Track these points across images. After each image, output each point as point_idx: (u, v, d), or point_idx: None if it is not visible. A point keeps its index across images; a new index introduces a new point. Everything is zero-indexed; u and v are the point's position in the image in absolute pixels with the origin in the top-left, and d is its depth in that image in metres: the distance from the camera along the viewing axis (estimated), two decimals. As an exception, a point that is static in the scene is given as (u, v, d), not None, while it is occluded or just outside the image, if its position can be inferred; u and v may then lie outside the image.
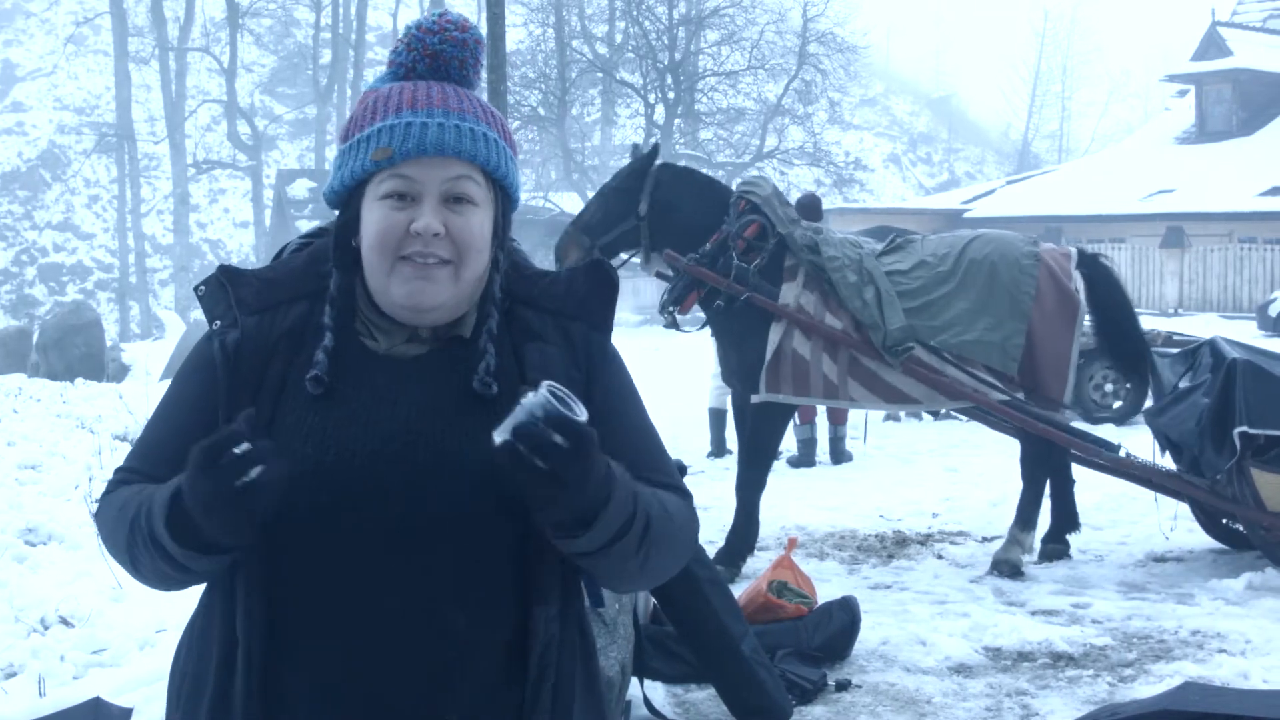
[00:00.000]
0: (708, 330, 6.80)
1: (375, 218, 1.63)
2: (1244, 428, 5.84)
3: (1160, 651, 5.15)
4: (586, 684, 1.71)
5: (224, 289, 1.70)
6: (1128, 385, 10.77)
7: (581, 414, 1.46)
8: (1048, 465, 6.54)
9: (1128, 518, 7.53)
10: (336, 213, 1.72)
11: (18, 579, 5.71)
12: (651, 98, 33.10)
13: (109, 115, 43.77)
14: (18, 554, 6.20)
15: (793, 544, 5.71)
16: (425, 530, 1.58)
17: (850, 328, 6.26)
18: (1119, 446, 6.48)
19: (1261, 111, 31.39)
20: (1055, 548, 6.70)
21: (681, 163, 31.01)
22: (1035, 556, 6.65)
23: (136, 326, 38.06)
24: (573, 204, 24.19)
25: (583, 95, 34.78)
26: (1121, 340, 6.73)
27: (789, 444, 10.10)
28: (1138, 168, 31.49)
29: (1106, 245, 26.95)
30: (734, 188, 6.78)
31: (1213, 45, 32.55)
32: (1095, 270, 6.60)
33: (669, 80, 32.68)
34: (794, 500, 8.32)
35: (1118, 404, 11.42)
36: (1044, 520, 6.68)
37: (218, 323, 1.68)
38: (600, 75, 33.77)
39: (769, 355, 6.23)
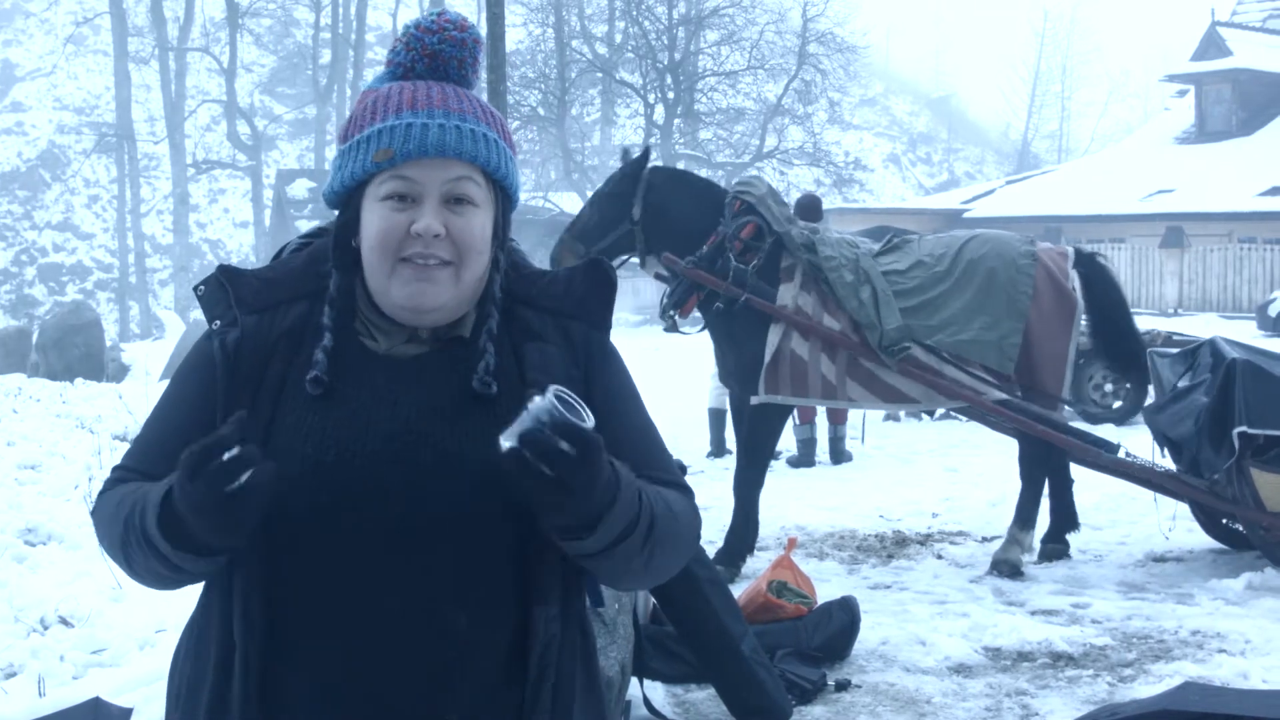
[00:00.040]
0: (708, 331, 6.80)
1: (376, 219, 1.63)
2: (1243, 427, 5.84)
3: (1160, 651, 5.15)
4: (586, 684, 1.70)
5: (224, 289, 1.70)
6: (1127, 385, 10.77)
7: (589, 420, 1.46)
8: (1046, 465, 6.54)
9: (1127, 517, 7.54)
10: (336, 213, 1.72)
11: (17, 579, 5.70)
12: (651, 98, 33.09)
13: (109, 115, 43.78)
14: (17, 554, 6.19)
15: (792, 544, 5.71)
16: (425, 530, 1.58)
17: (848, 328, 6.25)
18: (1119, 446, 6.48)
19: (1261, 111, 31.38)
20: (1055, 547, 6.70)
21: (681, 163, 31.04)
22: (1035, 556, 6.65)
23: (136, 326, 38.08)
24: (572, 204, 24.20)
25: (582, 95, 34.78)
26: (1118, 340, 6.73)
27: (789, 444, 10.11)
28: (1137, 168, 31.48)
29: (1106, 245, 26.95)
30: (728, 188, 6.78)
31: (1212, 45, 32.55)
32: (1092, 269, 6.61)
33: (669, 80, 32.67)
34: (794, 500, 8.33)
35: (1117, 404, 11.43)
36: (1044, 520, 6.69)
37: (217, 322, 1.68)
38: (600, 75, 33.78)
39: (768, 357, 6.22)
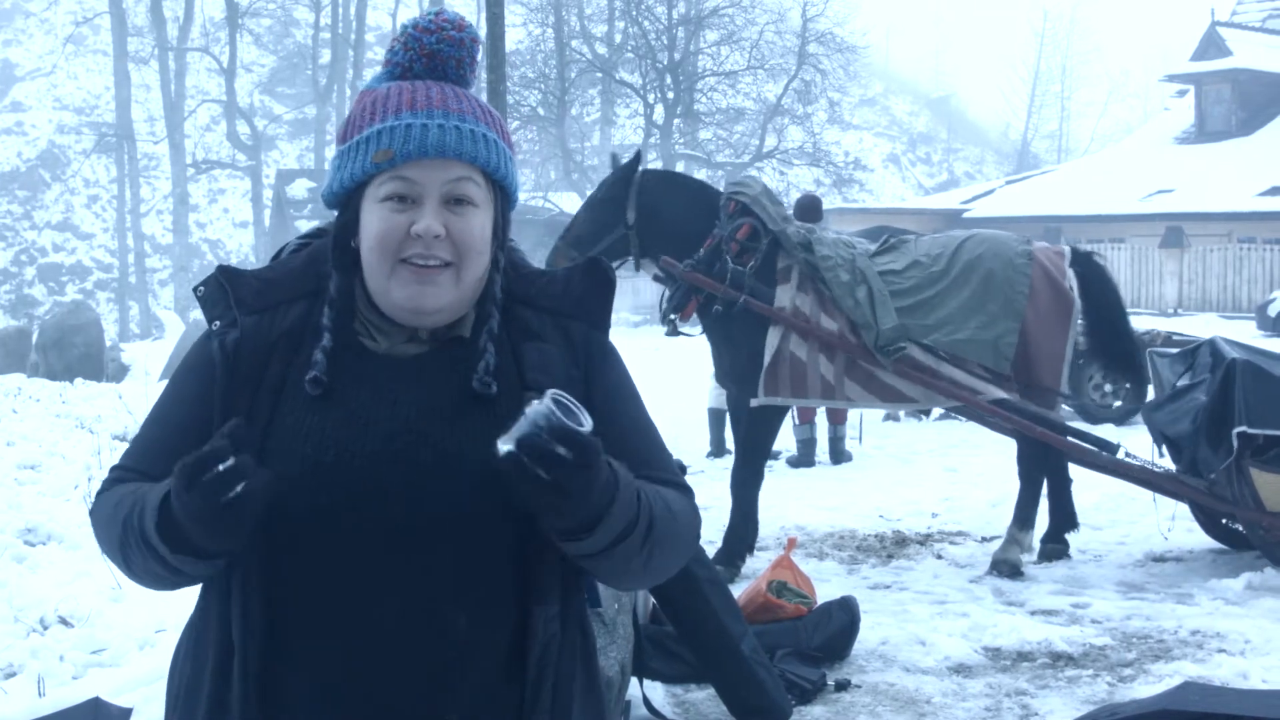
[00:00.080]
0: (705, 333, 6.80)
1: (375, 220, 1.63)
2: (1243, 427, 5.84)
3: (1159, 651, 5.15)
4: (586, 684, 1.70)
5: (223, 289, 1.69)
6: (1127, 385, 10.77)
7: (586, 423, 1.46)
8: (1044, 464, 6.54)
9: (1127, 517, 7.54)
10: (335, 213, 1.71)
11: (17, 579, 5.70)
12: (651, 98, 33.09)
13: (108, 115, 43.77)
14: (17, 554, 6.19)
15: (792, 544, 5.71)
16: (425, 530, 1.58)
17: (845, 328, 6.25)
18: (1118, 446, 6.48)
19: (1261, 111, 31.39)
20: (1054, 547, 6.70)
21: (681, 163, 30.94)
22: (1034, 556, 6.65)
23: (136, 326, 38.07)
24: (572, 204, 24.16)
25: (582, 95, 34.77)
26: (1113, 339, 6.73)
27: (789, 444, 10.11)
28: (1137, 168, 31.49)
29: (1106, 245, 26.97)
30: (722, 189, 6.77)
31: (1212, 45, 32.55)
32: (1088, 268, 6.61)
33: (668, 80, 32.67)
34: (793, 500, 8.33)
35: (1117, 404, 11.43)
36: (1043, 520, 6.69)
37: (217, 323, 1.68)
38: (600, 75, 33.78)
39: (767, 360, 6.22)
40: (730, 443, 8.77)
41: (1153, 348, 7.91)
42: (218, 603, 1.62)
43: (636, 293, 25.66)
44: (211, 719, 1.60)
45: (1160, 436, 6.63)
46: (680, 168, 31.52)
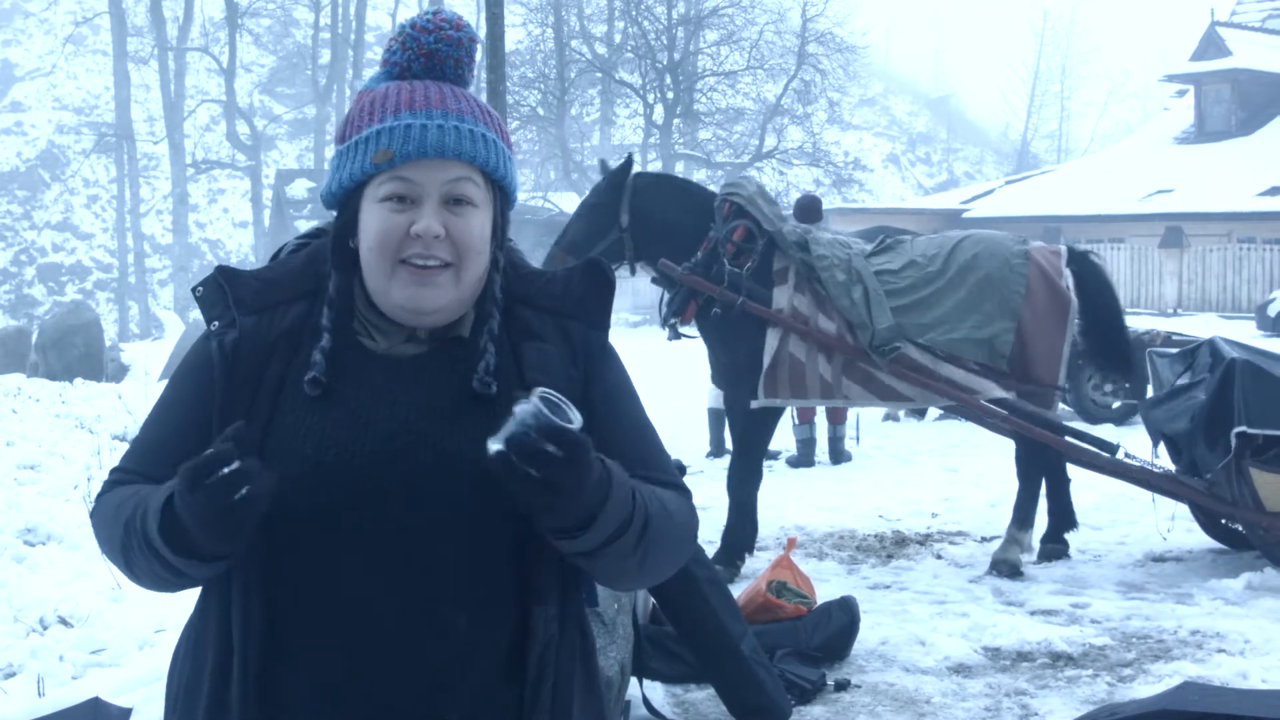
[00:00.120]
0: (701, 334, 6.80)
1: (375, 220, 1.63)
2: (1243, 427, 5.83)
3: (1159, 651, 5.15)
4: (586, 684, 1.71)
5: (222, 289, 1.69)
6: (1126, 385, 10.76)
7: (575, 420, 1.46)
8: (1042, 463, 6.54)
9: (1126, 517, 7.54)
10: (334, 213, 1.71)
11: (17, 579, 5.70)
12: (650, 98, 33.09)
13: (108, 115, 43.77)
14: (17, 554, 6.19)
15: (792, 544, 5.71)
16: (425, 530, 1.58)
17: (844, 329, 6.25)
18: (1118, 446, 6.47)
19: (1260, 111, 31.39)
20: (1054, 547, 6.70)
21: (680, 163, 30.85)
22: (1034, 556, 6.65)
23: (135, 326, 38.08)
24: (571, 204, 24.07)
25: (582, 95, 34.77)
26: (1109, 338, 6.73)
27: (789, 444, 10.11)
28: (1137, 168, 31.49)
29: (1105, 245, 26.99)
30: (717, 191, 6.76)
31: (1212, 45, 32.55)
32: (1085, 268, 6.61)
33: (668, 80, 32.67)
34: (793, 500, 8.32)
35: (1117, 404, 11.43)
36: (1043, 520, 6.68)
37: (215, 323, 1.68)
38: (599, 75, 33.78)
39: (767, 362, 6.22)
40: (730, 443, 8.77)
41: (1152, 348, 7.91)
42: (217, 603, 1.62)
43: (636, 293, 25.65)
44: (211, 719, 1.60)
45: (1159, 435, 6.63)
46: (680, 168, 31.56)
